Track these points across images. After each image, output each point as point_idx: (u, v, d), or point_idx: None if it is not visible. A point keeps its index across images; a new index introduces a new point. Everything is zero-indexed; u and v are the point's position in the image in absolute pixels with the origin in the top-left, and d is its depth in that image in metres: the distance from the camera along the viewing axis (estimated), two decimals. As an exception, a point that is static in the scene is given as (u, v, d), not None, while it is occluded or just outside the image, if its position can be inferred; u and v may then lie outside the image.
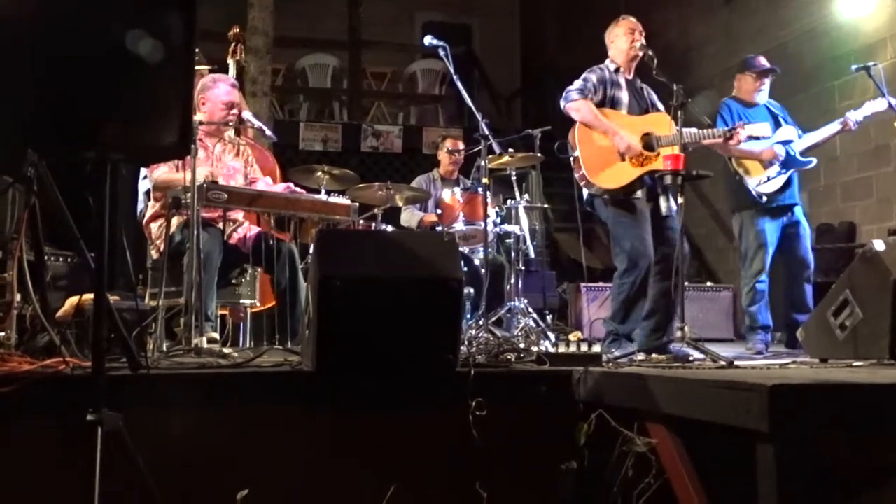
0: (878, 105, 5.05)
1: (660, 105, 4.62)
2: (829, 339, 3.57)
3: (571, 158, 4.48)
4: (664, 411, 2.67)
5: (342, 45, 10.55)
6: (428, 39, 4.89)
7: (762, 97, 5.33)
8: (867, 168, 6.97)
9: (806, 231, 5.20)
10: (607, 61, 4.61)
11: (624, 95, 4.52)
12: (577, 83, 4.48)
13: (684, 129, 4.13)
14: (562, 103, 4.50)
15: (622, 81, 4.54)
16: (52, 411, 2.53)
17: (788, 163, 5.14)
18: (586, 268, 6.77)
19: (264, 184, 4.54)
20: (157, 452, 2.50)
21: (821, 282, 5.11)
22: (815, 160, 5.22)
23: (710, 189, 8.43)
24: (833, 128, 5.17)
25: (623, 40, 4.56)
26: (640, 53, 4.50)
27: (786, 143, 5.16)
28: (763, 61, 5.38)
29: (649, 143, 4.39)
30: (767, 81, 5.34)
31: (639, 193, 4.37)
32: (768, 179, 5.12)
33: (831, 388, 2.47)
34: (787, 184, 5.16)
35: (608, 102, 4.49)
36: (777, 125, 5.23)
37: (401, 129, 9.88)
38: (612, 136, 4.35)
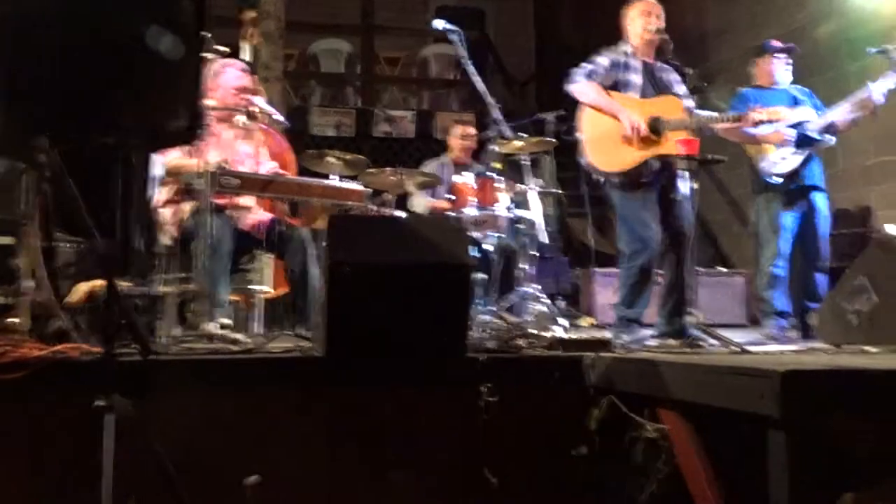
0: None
1: (678, 87, 4.51)
2: (842, 324, 3.55)
3: (577, 141, 4.46)
4: (676, 397, 2.66)
5: (355, 30, 10.51)
6: (440, 24, 4.86)
7: (784, 77, 5.25)
8: (884, 152, 6.89)
9: (824, 220, 5.12)
10: (621, 43, 4.56)
11: (636, 79, 4.46)
12: (585, 66, 4.45)
13: (695, 112, 4.08)
14: (566, 86, 4.48)
15: (636, 65, 4.48)
16: (64, 397, 2.55)
17: (804, 142, 5.07)
18: (595, 252, 6.74)
19: (266, 168, 4.51)
20: (168, 437, 2.52)
21: (836, 267, 5.06)
22: (833, 138, 5.14)
23: (725, 174, 8.37)
24: (851, 101, 5.06)
25: (638, 23, 4.50)
26: (656, 37, 4.44)
27: (800, 123, 5.09)
28: (778, 42, 5.31)
29: (656, 126, 4.34)
30: (784, 58, 5.26)
31: (645, 177, 4.34)
32: (783, 160, 5.06)
33: (844, 374, 2.45)
34: (805, 164, 5.09)
35: (619, 86, 4.45)
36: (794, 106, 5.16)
37: (414, 114, 9.85)
38: (619, 114, 4.32)
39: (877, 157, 6.98)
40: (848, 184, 7.18)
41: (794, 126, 5.06)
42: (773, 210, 5.10)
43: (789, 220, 5.08)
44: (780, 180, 5.05)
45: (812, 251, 5.08)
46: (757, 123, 4.54)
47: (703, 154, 4.04)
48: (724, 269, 7.69)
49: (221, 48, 5.20)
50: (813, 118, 5.10)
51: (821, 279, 5.03)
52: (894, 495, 2.29)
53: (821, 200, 5.13)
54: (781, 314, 5.08)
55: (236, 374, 2.87)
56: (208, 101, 4.21)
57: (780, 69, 5.27)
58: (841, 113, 5.09)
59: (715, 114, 4.42)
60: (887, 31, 6.72)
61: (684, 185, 4.33)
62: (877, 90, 4.92)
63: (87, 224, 2.86)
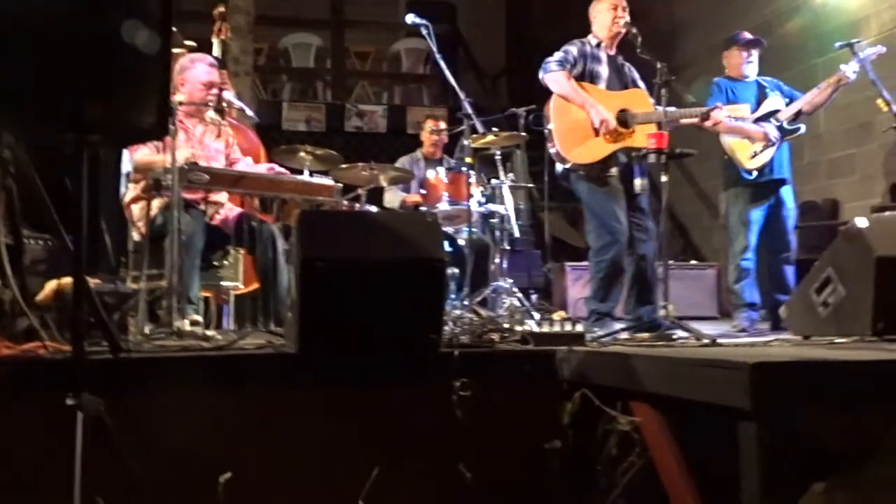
0: (874, 50, 5.00)
1: (640, 83, 4.61)
2: (811, 316, 3.58)
3: (546, 132, 4.48)
4: (648, 390, 2.68)
5: (325, 24, 10.46)
6: (410, 18, 4.86)
7: (751, 70, 5.28)
8: (851, 145, 6.98)
9: (790, 212, 5.18)
10: (590, 36, 4.60)
11: (604, 70, 4.52)
12: (557, 55, 4.49)
13: (661, 108, 4.11)
14: (540, 74, 4.51)
15: (603, 56, 4.54)
16: (33, 396, 2.51)
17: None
18: (565, 245, 6.75)
19: (245, 164, 4.51)
20: (139, 436, 2.50)
21: (805, 259, 5.11)
22: (803, 127, 5.18)
23: (695, 167, 8.43)
24: (824, 88, 5.11)
25: (606, 16, 4.54)
26: (623, 30, 4.48)
27: (771, 114, 5.13)
28: (748, 34, 5.36)
29: (624, 119, 4.38)
30: (755, 53, 5.30)
31: (613, 170, 4.38)
32: (755, 155, 5.10)
33: (813, 365, 2.48)
34: (774, 157, 5.14)
35: (587, 76, 4.49)
36: (760, 101, 5.21)
37: (385, 109, 9.83)
38: (589, 109, 4.36)
39: (843, 151, 7.06)
40: (815, 176, 7.27)
41: (763, 119, 5.11)
42: (742, 204, 5.15)
43: (758, 214, 5.14)
44: (756, 174, 5.10)
45: (780, 244, 5.14)
46: (717, 123, 4.61)
47: (672, 147, 4.06)
48: (696, 263, 7.75)
49: (189, 43, 5.17)
50: (781, 106, 5.14)
51: (788, 271, 5.10)
52: (863, 484, 2.32)
53: (787, 193, 5.18)
54: (752, 306, 5.14)
55: (208, 371, 2.84)
56: (177, 97, 4.18)
57: (747, 61, 5.30)
58: (809, 98, 5.13)
59: (683, 110, 4.45)
60: (853, 25, 6.81)
61: (644, 180, 4.40)
62: (849, 70, 4.97)
63: (55, 221, 2.82)
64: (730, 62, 5.35)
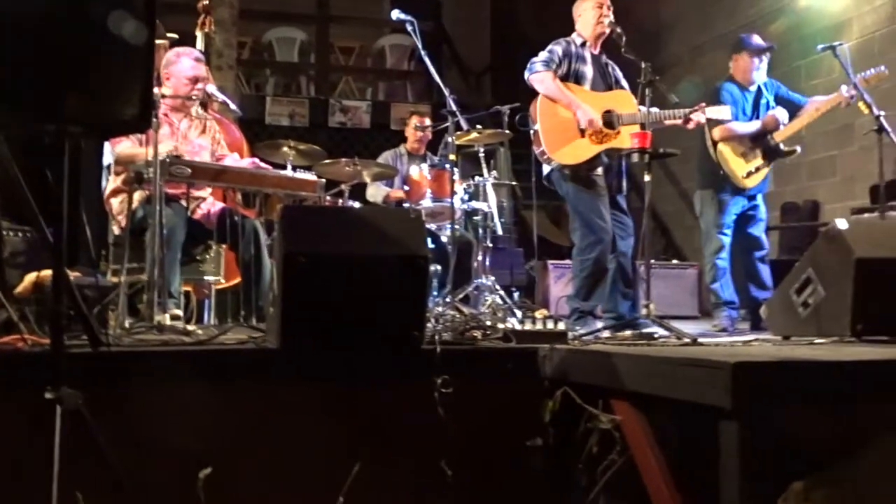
0: (875, 71, 5.01)
1: (624, 83, 4.63)
2: (791, 316, 3.60)
3: (531, 132, 4.49)
4: (629, 388, 2.69)
5: (310, 19, 10.42)
6: (396, 14, 4.85)
7: (760, 76, 5.28)
8: (832, 147, 7.03)
9: (763, 214, 5.26)
10: (574, 35, 4.61)
11: (588, 70, 4.52)
12: (543, 55, 4.49)
13: (645, 109, 4.12)
14: (525, 74, 4.51)
15: (587, 56, 4.54)
16: (11, 390, 2.48)
17: (770, 154, 5.16)
18: (547, 243, 6.76)
19: (231, 160, 4.48)
20: (119, 431, 2.48)
21: (785, 259, 5.16)
22: (798, 149, 5.22)
23: (678, 167, 8.46)
24: (823, 109, 5.14)
25: (590, 14, 4.55)
26: (608, 29, 4.49)
27: (767, 133, 5.16)
28: (758, 40, 5.33)
29: (609, 120, 4.40)
30: (765, 59, 5.30)
31: (598, 170, 4.40)
32: (749, 174, 5.14)
33: (793, 364, 2.50)
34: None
35: (572, 76, 4.49)
36: (756, 107, 5.23)
37: (369, 105, 9.80)
38: (575, 110, 4.36)
39: (824, 152, 7.11)
40: (796, 177, 7.32)
41: (757, 139, 5.13)
42: (718, 205, 5.18)
43: (731, 217, 5.18)
44: (746, 190, 5.14)
45: (755, 243, 5.21)
46: (698, 124, 4.63)
47: (656, 147, 4.07)
48: (677, 262, 7.78)
49: (172, 35, 5.14)
50: (783, 118, 5.14)
51: (764, 269, 5.15)
52: (841, 482, 2.34)
53: (760, 198, 5.26)
54: (730, 304, 5.18)
55: (189, 365, 2.82)
56: (163, 90, 4.15)
57: (757, 67, 5.28)
58: (807, 120, 5.17)
59: (667, 111, 4.46)
60: (835, 28, 6.86)
61: (623, 182, 4.43)
62: (847, 94, 5.01)
63: (35, 213, 2.80)
64: (738, 66, 5.30)
